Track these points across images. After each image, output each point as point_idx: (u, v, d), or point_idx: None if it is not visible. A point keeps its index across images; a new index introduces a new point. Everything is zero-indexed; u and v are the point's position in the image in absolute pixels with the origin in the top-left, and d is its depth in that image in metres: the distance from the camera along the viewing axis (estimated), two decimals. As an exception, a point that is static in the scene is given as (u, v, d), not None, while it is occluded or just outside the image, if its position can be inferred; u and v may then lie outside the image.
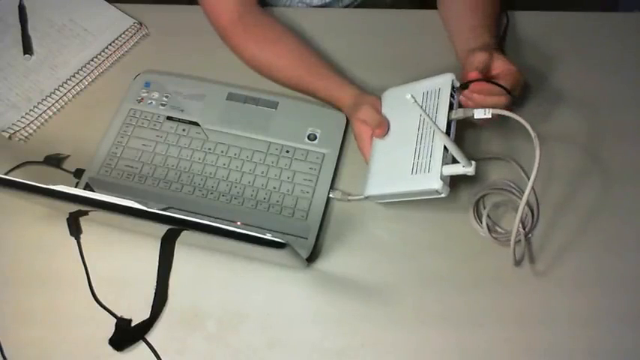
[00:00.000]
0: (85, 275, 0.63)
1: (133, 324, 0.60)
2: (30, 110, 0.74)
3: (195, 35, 0.80)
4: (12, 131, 0.72)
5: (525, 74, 0.64)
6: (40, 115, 0.74)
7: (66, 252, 0.64)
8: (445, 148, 0.56)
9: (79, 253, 0.64)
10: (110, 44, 0.79)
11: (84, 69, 0.77)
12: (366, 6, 0.87)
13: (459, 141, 0.58)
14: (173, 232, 0.58)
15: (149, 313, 0.60)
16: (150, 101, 0.73)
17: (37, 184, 0.49)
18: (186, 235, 0.58)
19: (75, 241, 0.64)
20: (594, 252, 0.62)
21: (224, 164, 0.68)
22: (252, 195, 0.66)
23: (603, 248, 0.62)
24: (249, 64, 0.75)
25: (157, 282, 0.62)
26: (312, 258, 0.62)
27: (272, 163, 0.68)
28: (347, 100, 0.68)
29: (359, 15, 0.85)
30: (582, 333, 0.58)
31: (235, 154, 0.68)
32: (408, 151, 0.59)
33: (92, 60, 0.78)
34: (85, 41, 0.80)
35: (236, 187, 0.66)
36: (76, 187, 0.67)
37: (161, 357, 0.58)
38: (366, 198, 0.63)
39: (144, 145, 0.70)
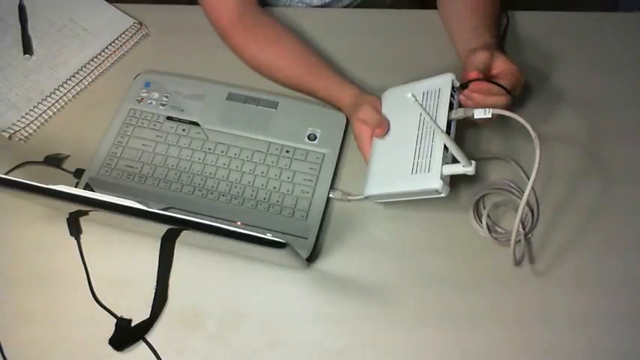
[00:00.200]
0: (85, 275, 0.63)
1: (133, 324, 0.60)
2: (30, 110, 0.74)
3: (195, 35, 0.80)
4: (12, 131, 0.72)
5: (526, 74, 0.64)
6: (40, 115, 0.74)
7: (66, 252, 0.64)
8: (445, 147, 0.56)
9: (79, 253, 0.64)
10: (110, 44, 0.79)
11: (84, 69, 0.77)
12: (366, 6, 0.87)
13: (459, 141, 0.57)
14: (173, 232, 0.58)
15: (149, 313, 0.60)
16: (150, 101, 0.73)
17: (37, 184, 0.49)
18: (186, 235, 0.58)
19: (75, 241, 0.64)
20: (594, 252, 0.62)
21: (224, 164, 0.68)
22: (252, 195, 0.66)
23: (603, 248, 0.62)
24: (249, 64, 0.75)
25: (157, 282, 0.62)
26: (312, 258, 0.62)
27: (272, 163, 0.68)
28: (347, 100, 0.68)
29: (359, 15, 0.85)
30: (582, 333, 0.58)
31: (235, 154, 0.68)
32: (408, 150, 0.59)
33: (92, 60, 0.78)
34: (85, 41, 0.80)
35: (236, 187, 0.66)
36: (76, 187, 0.67)
37: (161, 357, 0.58)
38: (366, 198, 0.63)
39: (144, 145, 0.70)
